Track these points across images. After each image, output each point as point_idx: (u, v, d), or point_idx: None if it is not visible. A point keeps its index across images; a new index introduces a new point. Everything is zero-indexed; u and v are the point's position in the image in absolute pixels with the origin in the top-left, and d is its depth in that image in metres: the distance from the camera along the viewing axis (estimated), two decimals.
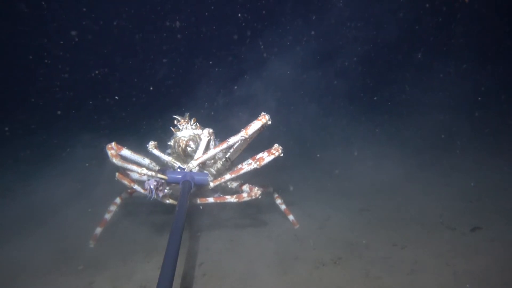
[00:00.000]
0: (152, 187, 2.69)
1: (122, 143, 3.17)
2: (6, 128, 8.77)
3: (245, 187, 3.26)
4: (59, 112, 10.59)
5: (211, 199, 3.08)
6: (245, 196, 3.03)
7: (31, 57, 14.03)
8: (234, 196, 3.05)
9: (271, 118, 2.73)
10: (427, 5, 12.90)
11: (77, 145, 6.75)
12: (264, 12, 15.45)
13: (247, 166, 2.85)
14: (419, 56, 12.40)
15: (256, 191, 3.06)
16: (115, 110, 11.70)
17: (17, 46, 14.30)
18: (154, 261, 3.14)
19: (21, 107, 11.82)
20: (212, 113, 8.15)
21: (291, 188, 4.65)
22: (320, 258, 3.03)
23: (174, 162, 2.99)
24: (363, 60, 12.48)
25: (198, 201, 3.09)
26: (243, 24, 15.28)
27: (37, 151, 7.69)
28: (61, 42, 14.00)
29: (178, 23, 15.62)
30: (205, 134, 2.99)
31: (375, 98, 11.15)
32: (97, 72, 14.09)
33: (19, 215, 4.28)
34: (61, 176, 5.49)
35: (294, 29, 12.63)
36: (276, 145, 2.84)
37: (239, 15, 15.27)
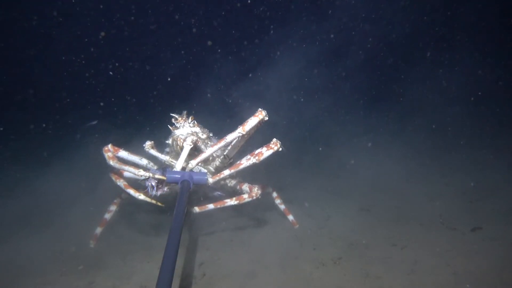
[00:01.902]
0: (153, 184, 2.79)
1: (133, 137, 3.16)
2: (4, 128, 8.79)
3: (245, 187, 3.23)
4: (92, 108, 10.75)
5: (211, 206, 3.02)
6: (245, 198, 3.01)
7: (64, 57, 14.45)
8: (234, 198, 3.03)
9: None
10: None
11: (84, 142, 6.77)
12: (278, 7, 15.57)
13: (246, 161, 2.83)
14: (425, 55, 12.41)
15: (257, 192, 3.05)
16: (133, 102, 11.94)
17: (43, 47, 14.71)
18: (154, 260, 3.14)
19: (22, 106, 11.86)
20: (230, 101, 8.20)
21: (306, 205, 4.29)
22: (320, 258, 3.03)
23: (172, 161, 2.98)
24: (368, 58, 12.50)
25: (197, 209, 3.03)
26: (258, 19, 15.46)
27: (39, 150, 7.69)
28: (86, 40, 14.33)
29: (193, 20, 15.88)
30: (188, 142, 2.84)
31: (379, 96, 11.17)
32: (117, 64, 14.44)
33: (19, 215, 4.28)
34: (64, 175, 5.49)
35: (305, 26, 12.71)
36: (274, 139, 2.83)
37: (250, 6, 15.48)
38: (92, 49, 14.20)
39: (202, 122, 3.27)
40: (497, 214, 3.63)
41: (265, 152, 2.78)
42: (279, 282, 2.74)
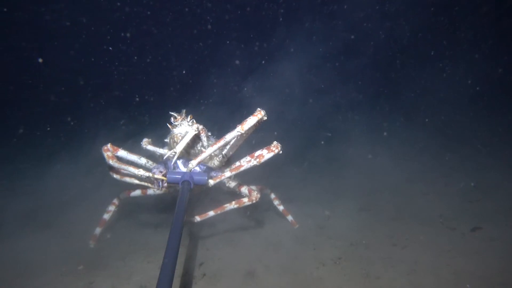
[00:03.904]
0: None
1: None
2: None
3: (244, 189, 3.22)
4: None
5: (211, 213, 3.04)
6: (245, 201, 3.01)
7: (83, 59, 15.02)
8: (234, 202, 3.02)
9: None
10: None
11: (86, 140, 6.76)
12: (290, 3, 15.77)
13: (247, 163, 2.84)
14: (428, 53, 12.43)
15: (256, 195, 3.04)
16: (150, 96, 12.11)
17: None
18: (154, 260, 3.15)
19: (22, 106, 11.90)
20: (245, 89, 8.25)
21: (327, 213, 4.06)
22: (320, 258, 3.03)
23: (171, 153, 2.98)
24: (374, 56, 12.53)
25: (198, 218, 3.06)
26: (270, 15, 15.74)
27: (39, 150, 7.68)
28: (108, 37, 15.05)
29: (208, 16, 16.20)
30: (194, 128, 2.93)
31: (383, 95, 11.20)
32: (135, 58, 14.93)
33: (19, 215, 4.28)
34: (64, 175, 5.49)
35: (315, 24, 12.81)
36: (275, 142, 2.84)
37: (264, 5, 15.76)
38: (120, 46, 14.87)
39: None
40: (497, 214, 3.63)
41: (266, 154, 2.79)
42: (279, 282, 2.74)
